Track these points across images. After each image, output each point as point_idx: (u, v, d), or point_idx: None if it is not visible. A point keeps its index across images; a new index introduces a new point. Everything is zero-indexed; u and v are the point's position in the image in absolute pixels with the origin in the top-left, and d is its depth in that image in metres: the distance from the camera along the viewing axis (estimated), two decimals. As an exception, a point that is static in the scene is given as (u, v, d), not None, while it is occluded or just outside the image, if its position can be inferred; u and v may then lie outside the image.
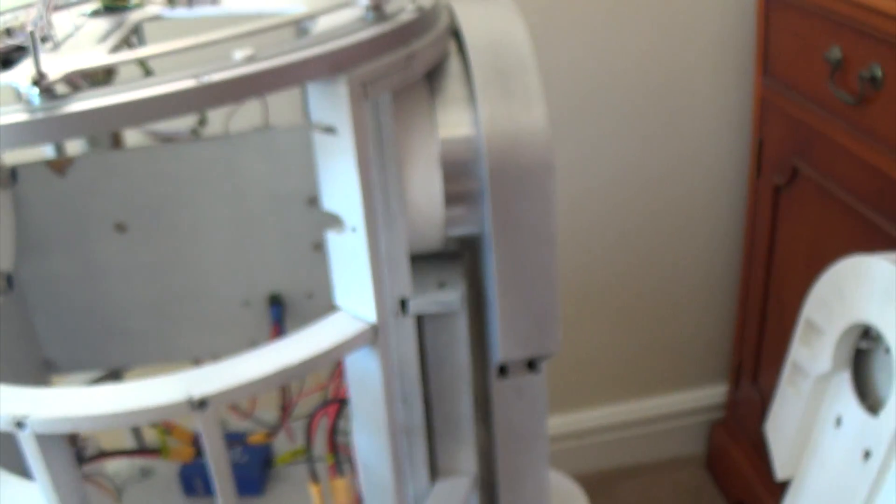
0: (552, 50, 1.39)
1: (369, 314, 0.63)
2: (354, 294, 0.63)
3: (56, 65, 0.52)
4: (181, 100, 0.51)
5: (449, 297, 0.73)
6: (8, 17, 0.76)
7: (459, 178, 0.68)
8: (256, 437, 1.00)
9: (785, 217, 1.41)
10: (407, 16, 0.61)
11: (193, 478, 1.01)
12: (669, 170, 1.53)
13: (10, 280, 0.83)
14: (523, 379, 0.77)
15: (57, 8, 0.74)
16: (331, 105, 0.56)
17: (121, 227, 0.91)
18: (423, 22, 0.62)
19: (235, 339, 0.97)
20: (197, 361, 0.99)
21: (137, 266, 0.93)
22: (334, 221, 0.61)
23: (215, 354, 0.99)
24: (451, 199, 0.68)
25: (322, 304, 0.93)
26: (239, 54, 0.53)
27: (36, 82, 0.51)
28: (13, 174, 0.87)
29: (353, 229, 0.60)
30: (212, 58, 0.53)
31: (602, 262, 1.58)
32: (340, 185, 0.59)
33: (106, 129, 0.50)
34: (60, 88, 0.52)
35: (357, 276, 0.62)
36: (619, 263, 1.59)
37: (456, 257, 0.76)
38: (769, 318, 1.52)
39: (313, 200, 0.90)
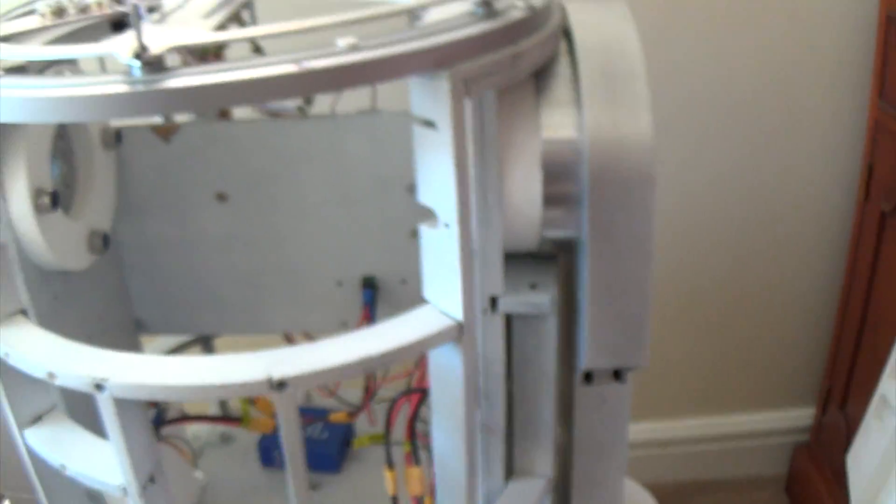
0: (666, 51, 1.36)
1: (456, 311, 0.62)
2: (443, 289, 0.63)
3: (159, 37, 0.52)
4: (280, 84, 0.50)
5: (540, 298, 0.72)
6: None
7: (560, 181, 0.66)
8: (338, 416, 1.01)
9: (889, 244, 1.36)
10: (517, 14, 0.60)
11: (272, 449, 1.02)
12: (775, 183, 1.49)
13: (106, 239, 0.84)
14: (608, 387, 0.76)
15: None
16: (432, 99, 0.56)
17: (221, 197, 0.92)
18: (532, 21, 0.61)
19: (326, 317, 0.98)
20: (286, 336, 1.00)
21: (235, 236, 0.94)
22: (428, 215, 0.61)
23: (305, 331, 0.99)
24: (550, 200, 0.67)
25: (415, 291, 0.92)
26: (342, 42, 0.52)
27: (137, 55, 0.51)
28: (118, 136, 0.89)
29: (447, 225, 0.59)
30: (318, 42, 0.53)
31: (698, 270, 1.56)
32: (436, 180, 0.59)
33: (203, 108, 0.50)
34: (164, 62, 0.52)
35: (447, 271, 0.61)
36: (716, 274, 1.56)
37: (550, 259, 0.75)
38: (863, 347, 1.47)
39: (412, 188, 0.90)
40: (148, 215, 0.93)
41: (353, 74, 0.51)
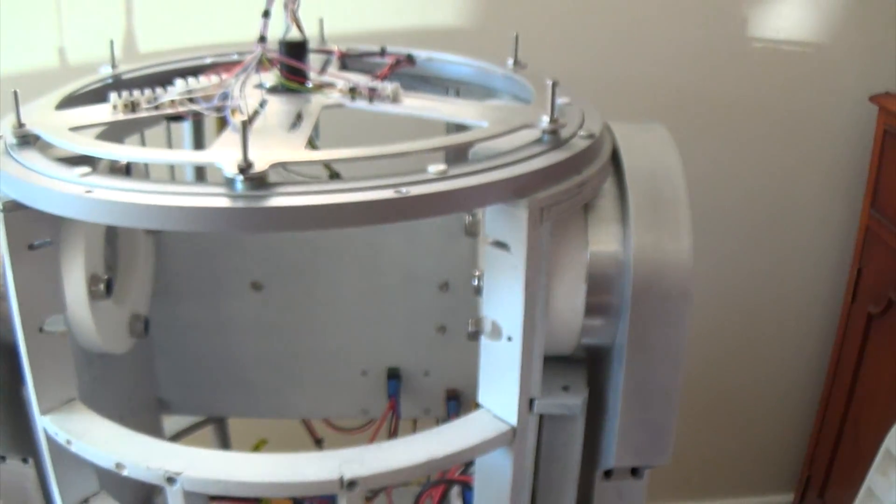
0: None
1: (511, 416, 0.66)
2: (499, 396, 0.66)
3: (260, 153, 0.56)
4: (380, 210, 0.54)
5: (573, 400, 0.76)
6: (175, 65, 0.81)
7: (602, 292, 0.71)
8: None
9: (875, 345, 1.42)
10: (581, 143, 0.64)
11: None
12: (766, 280, 1.55)
13: (147, 323, 0.86)
14: (625, 483, 0.80)
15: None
16: (508, 224, 0.60)
17: (256, 286, 0.95)
18: (594, 149, 0.66)
19: (349, 404, 1.01)
20: (305, 421, 1.03)
21: (266, 323, 0.97)
22: (493, 329, 0.65)
23: (327, 417, 1.02)
24: (591, 310, 0.72)
25: (438, 383, 0.96)
26: (433, 169, 0.57)
27: (242, 170, 0.54)
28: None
29: (510, 339, 0.64)
30: (399, 166, 0.57)
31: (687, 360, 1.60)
32: (504, 297, 0.63)
33: (302, 228, 0.53)
34: (266, 178, 0.55)
35: (505, 381, 0.65)
36: (703, 364, 1.61)
37: (580, 363, 0.80)
38: (844, 439, 1.52)
39: (444, 285, 0.94)
40: (182, 299, 0.96)
41: (446, 202, 0.56)
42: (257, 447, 1.04)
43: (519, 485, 0.69)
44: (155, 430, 1.02)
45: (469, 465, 0.82)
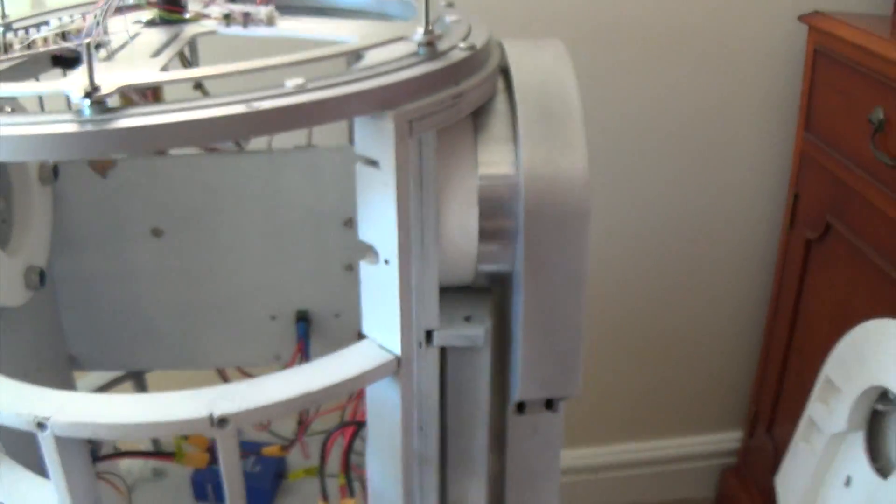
0: (600, 82, 1.39)
1: (395, 346, 0.63)
2: (382, 325, 0.64)
3: (110, 77, 0.53)
4: (231, 125, 0.51)
5: (474, 331, 0.73)
6: (65, 15, 0.78)
7: (496, 216, 0.68)
8: (271, 450, 1.01)
9: (814, 272, 1.40)
10: (458, 54, 0.61)
11: (205, 483, 1.01)
12: (703, 211, 1.53)
13: (43, 275, 0.84)
14: (540, 417, 0.77)
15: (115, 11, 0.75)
16: (376, 139, 0.57)
17: (157, 232, 0.92)
18: (473, 61, 0.63)
19: (260, 351, 0.98)
20: (220, 371, 1.00)
21: (170, 271, 0.94)
22: (368, 251, 0.62)
23: (239, 365, 1.00)
24: (486, 235, 0.69)
25: (349, 324, 0.94)
26: (290, 83, 0.54)
27: (88, 94, 0.51)
28: (55, 171, 0.89)
29: (386, 262, 0.61)
30: (262, 82, 0.54)
31: (626, 298, 1.59)
32: (378, 218, 0.60)
33: (153, 148, 0.51)
34: (112, 101, 0.52)
35: (386, 307, 0.62)
36: (644, 301, 1.59)
37: (484, 292, 0.77)
38: (789, 371, 1.51)
39: (349, 222, 0.91)
40: (83, 250, 0.93)
41: (302, 115, 0.53)
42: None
43: (409, 419, 0.67)
44: (68, 389, 0.99)
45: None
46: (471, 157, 0.68)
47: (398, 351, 0.63)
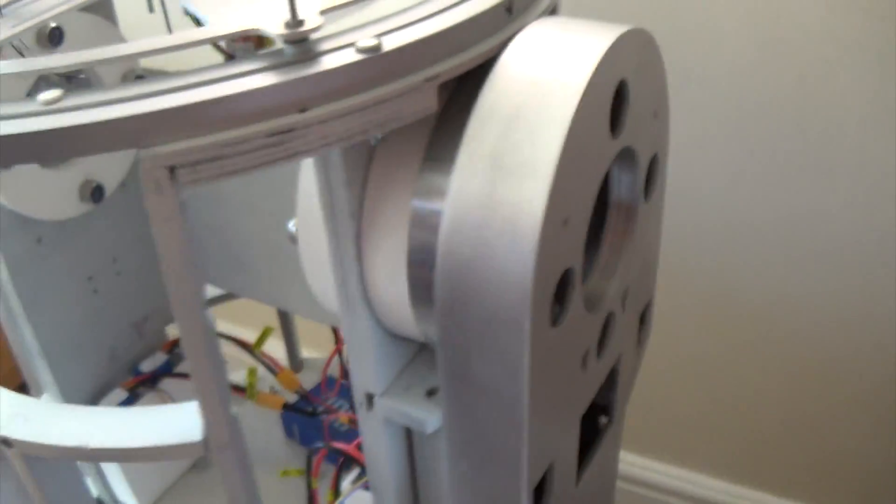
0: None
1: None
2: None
3: None
4: None
5: (423, 414, 0.57)
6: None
7: (427, 268, 0.49)
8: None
9: None
10: (333, 61, 0.42)
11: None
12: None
13: (100, 191, 0.77)
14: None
15: None
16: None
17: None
18: (359, 71, 0.43)
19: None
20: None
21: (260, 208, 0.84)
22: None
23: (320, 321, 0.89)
24: (419, 292, 0.51)
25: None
26: (43, 97, 0.40)
27: None
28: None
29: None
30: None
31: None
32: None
33: None
34: None
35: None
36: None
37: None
38: None
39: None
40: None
41: (28, 149, 0.39)
42: (264, 335, 0.93)
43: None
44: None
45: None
46: (406, 186, 0.50)
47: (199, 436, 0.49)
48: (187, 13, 0.57)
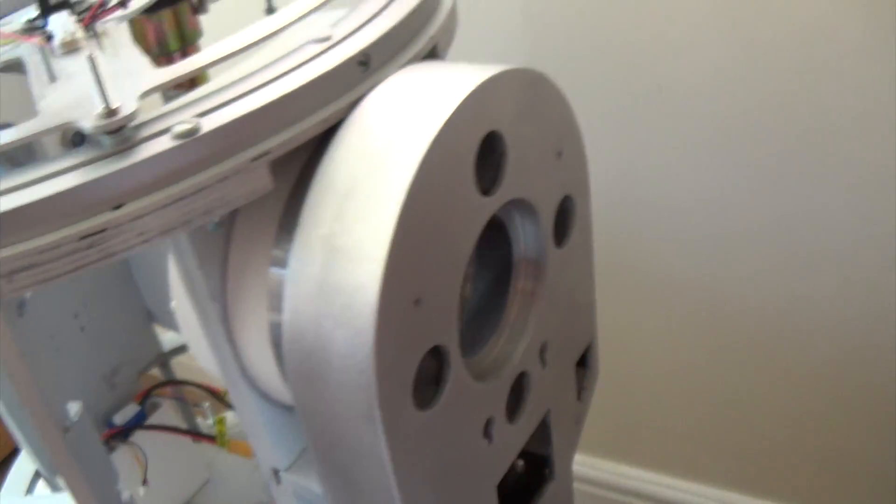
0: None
1: None
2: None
3: None
4: None
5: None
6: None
7: None
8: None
9: None
10: (147, 150, 0.39)
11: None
12: None
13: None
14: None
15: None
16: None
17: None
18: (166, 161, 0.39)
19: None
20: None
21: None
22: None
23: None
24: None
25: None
26: None
27: None
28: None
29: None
30: None
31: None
32: None
33: None
34: None
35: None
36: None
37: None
38: None
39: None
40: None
41: None
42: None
43: None
44: (149, 341, 0.92)
45: None
46: (261, 263, 0.47)
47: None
48: None
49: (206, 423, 0.93)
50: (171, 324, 0.91)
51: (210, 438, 0.87)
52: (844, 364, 1.08)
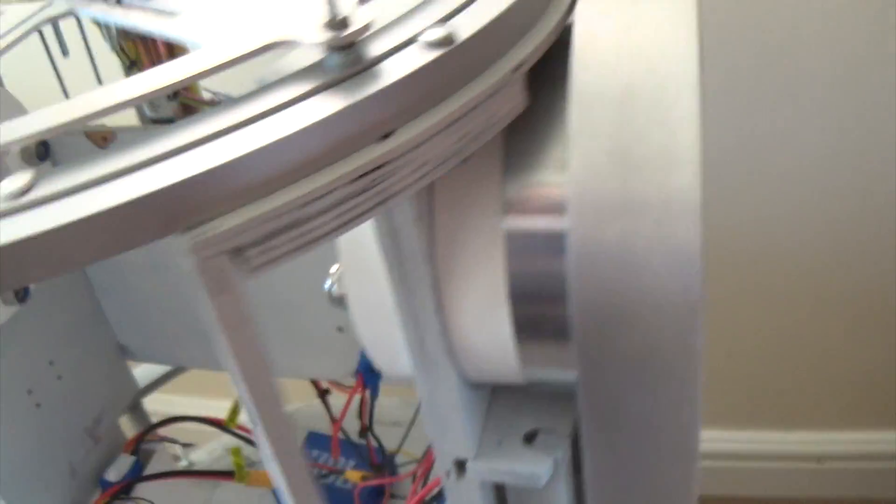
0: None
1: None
2: None
3: None
4: None
5: (531, 467, 0.47)
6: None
7: (533, 299, 0.40)
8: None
9: None
10: (405, 66, 0.31)
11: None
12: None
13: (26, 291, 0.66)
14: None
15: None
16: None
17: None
18: (445, 72, 0.32)
19: (326, 365, 0.76)
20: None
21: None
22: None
23: (302, 377, 0.78)
24: (525, 329, 0.41)
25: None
26: (6, 188, 0.28)
27: None
28: (45, 147, 0.67)
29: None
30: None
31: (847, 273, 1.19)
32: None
33: None
34: None
35: None
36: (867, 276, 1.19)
37: (564, 397, 0.49)
38: None
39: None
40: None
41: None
42: (236, 407, 0.81)
43: None
44: (121, 377, 0.83)
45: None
46: (490, 206, 0.40)
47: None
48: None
49: (210, 459, 0.84)
50: (147, 355, 0.83)
51: (226, 475, 0.79)
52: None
